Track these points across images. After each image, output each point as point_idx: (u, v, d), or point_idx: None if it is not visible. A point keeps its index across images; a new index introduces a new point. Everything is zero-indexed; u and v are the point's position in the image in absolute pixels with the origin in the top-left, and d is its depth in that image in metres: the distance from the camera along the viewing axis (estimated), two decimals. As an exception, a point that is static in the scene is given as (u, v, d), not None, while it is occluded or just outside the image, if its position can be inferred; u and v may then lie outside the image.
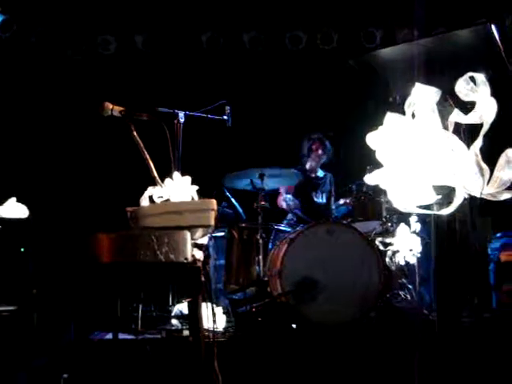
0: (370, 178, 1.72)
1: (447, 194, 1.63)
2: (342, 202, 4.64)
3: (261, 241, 4.30)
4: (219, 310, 3.88)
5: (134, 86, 5.55)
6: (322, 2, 5.66)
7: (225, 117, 4.17)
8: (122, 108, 2.89)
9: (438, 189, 1.63)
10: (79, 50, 5.77)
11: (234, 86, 5.65)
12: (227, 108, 4.17)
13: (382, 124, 1.79)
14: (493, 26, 1.63)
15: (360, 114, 5.54)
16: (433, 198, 1.63)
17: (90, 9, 5.69)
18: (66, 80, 5.70)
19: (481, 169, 1.60)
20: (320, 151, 5.16)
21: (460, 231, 1.85)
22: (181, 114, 3.65)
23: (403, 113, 1.74)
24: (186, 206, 2.35)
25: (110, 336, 3.52)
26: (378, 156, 1.71)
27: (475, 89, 1.58)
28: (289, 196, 5.07)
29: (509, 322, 3.78)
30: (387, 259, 4.10)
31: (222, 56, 5.95)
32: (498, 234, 4.41)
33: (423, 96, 1.62)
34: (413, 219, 4.10)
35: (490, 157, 1.63)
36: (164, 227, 2.25)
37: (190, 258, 2.27)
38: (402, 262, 4.07)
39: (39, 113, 5.55)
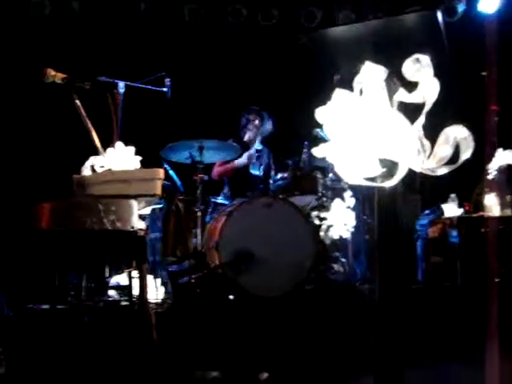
0: (317, 151, 1.79)
1: (390, 167, 1.73)
2: (279, 176, 4.72)
3: (199, 213, 4.33)
4: (157, 281, 3.91)
5: (72, 52, 5.39)
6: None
7: (164, 89, 4.17)
8: (64, 75, 2.82)
9: (382, 162, 1.73)
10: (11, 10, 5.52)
11: (174, 57, 5.60)
12: (167, 80, 4.17)
13: (323, 101, 1.86)
14: (439, 13, 1.73)
15: (298, 91, 5.64)
16: (377, 170, 1.73)
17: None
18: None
19: (422, 145, 1.71)
20: (257, 121, 5.21)
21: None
22: (121, 84, 3.59)
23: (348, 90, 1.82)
24: (133, 175, 2.36)
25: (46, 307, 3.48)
26: (326, 130, 1.79)
27: (420, 69, 1.68)
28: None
29: (434, 293, 4.02)
30: (322, 233, 4.23)
31: (161, 26, 5.86)
32: (427, 211, 4.63)
33: (372, 74, 1.71)
34: (347, 194, 4.24)
35: (431, 134, 1.74)
36: (111, 195, 2.26)
37: (136, 227, 2.30)
38: (336, 236, 4.22)
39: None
